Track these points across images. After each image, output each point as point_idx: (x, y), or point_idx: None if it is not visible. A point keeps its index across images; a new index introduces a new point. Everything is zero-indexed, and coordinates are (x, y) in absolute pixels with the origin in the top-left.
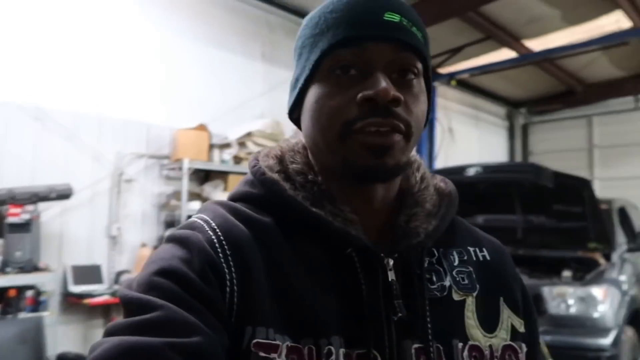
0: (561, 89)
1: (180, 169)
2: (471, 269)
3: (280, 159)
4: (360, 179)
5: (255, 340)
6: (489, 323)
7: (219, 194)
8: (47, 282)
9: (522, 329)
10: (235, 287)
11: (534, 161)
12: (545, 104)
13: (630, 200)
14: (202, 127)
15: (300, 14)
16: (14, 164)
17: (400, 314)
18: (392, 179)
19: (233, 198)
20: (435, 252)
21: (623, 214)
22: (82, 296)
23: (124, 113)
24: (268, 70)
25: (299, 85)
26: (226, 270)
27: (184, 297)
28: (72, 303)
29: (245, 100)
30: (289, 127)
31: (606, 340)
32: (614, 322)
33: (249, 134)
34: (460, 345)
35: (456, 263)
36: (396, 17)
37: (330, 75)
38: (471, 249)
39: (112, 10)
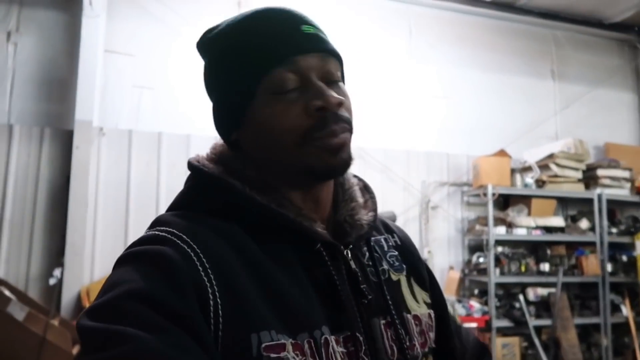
0: None
1: (484, 194)
2: (397, 252)
3: (225, 167)
4: (322, 177)
5: (264, 345)
6: (414, 297)
7: (523, 218)
8: None
9: (428, 300)
10: (219, 301)
11: None
12: None
13: None
14: (502, 153)
15: (590, 23)
16: None
17: (370, 297)
18: (346, 171)
19: (181, 207)
20: (371, 240)
21: None
22: None
23: (427, 146)
24: (560, 88)
25: (237, 107)
26: (207, 284)
27: (160, 323)
28: None
29: (537, 121)
30: (592, 145)
31: None
32: None
33: (550, 156)
34: (408, 316)
35: (386, 249)
36: (312, 29)
37: (274, 94)
38: (389, 235)
39: (400, 58)
